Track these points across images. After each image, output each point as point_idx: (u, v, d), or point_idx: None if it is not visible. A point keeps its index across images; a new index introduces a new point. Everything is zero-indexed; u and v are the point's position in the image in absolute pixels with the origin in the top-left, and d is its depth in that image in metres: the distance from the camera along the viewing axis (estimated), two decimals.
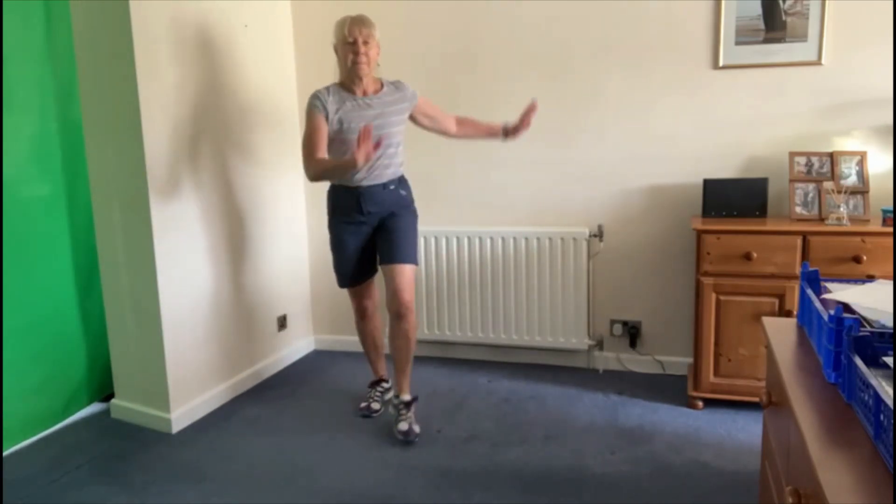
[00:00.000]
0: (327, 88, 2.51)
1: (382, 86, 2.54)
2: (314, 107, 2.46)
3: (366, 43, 2.42)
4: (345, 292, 2.79)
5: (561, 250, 3.09)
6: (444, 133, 2.71)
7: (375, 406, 2.78)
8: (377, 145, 2.30)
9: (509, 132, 2.63)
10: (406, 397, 2.59)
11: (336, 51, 2.51)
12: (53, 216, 2.64)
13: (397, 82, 2.59)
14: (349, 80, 2.50)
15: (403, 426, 2.51)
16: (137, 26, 2.45)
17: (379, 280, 2.70)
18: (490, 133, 2.68)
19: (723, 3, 2.80)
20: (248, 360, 3.12)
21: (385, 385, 2.87)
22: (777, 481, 1.28)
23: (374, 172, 2.49)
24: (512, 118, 3.14)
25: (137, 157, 2.51)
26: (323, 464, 2.37)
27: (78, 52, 2.59)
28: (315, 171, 2.43)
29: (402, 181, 2.60)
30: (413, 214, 2.63)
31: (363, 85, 2.49)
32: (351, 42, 2.41)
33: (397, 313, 2.51)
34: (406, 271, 2.51)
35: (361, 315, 2.77)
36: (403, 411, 2.56)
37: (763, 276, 2.54)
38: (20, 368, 2.53)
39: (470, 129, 2.72)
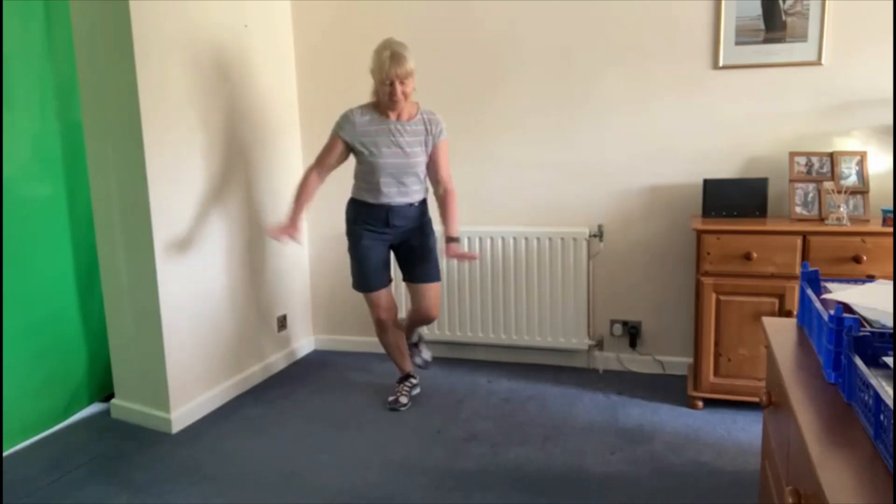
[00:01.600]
0: (361, 109, 2.57)
1: (418, 113, 2.60)
2: (339, 126, 2.58)
3: (402, 83, 2.46)
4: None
5: (561, 250, 3.09)
6: (431, 182, 2.71)
7: (404, 400, 2.82)
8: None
9: (446, 244, 2.61)
10: (414, 338, 2.99)
11: (373, 76, 2.51)
12: (53, 216, 2.64)
13: (433, 116, 2.62)
14: (385, 108, 2.55)
15: (426, 354, 3.02)
16: (137, 26, 2.45)
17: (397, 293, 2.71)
18: (445, 228, 2.65)
19: (723, 3, 2.80)
20: (247, 360, 3.12)
21: (413, 381, 2.91)
22: (777, 481, 1.28)
23: (403, 197, 2.61)
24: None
25: (137, 157, 2.51)
26: (323, 463, 2.37)
27: (78, 52, 2.59)
28: (299, 185, 2.67)
29: (423, 202, 2.72)
30: (431, 229, 2.75)
31: (398, 111, 2.56)
32: (388, 84, 2.45)
33: (426, 320, 2.81)
34: (434, 289, 2.73)
35: (381, 328, 2.80)
36: (420, 346, 3.01)
37: (763, 276, 2.54)
38: (21, 369, 2.53)
39: (441, 205, 2.67)
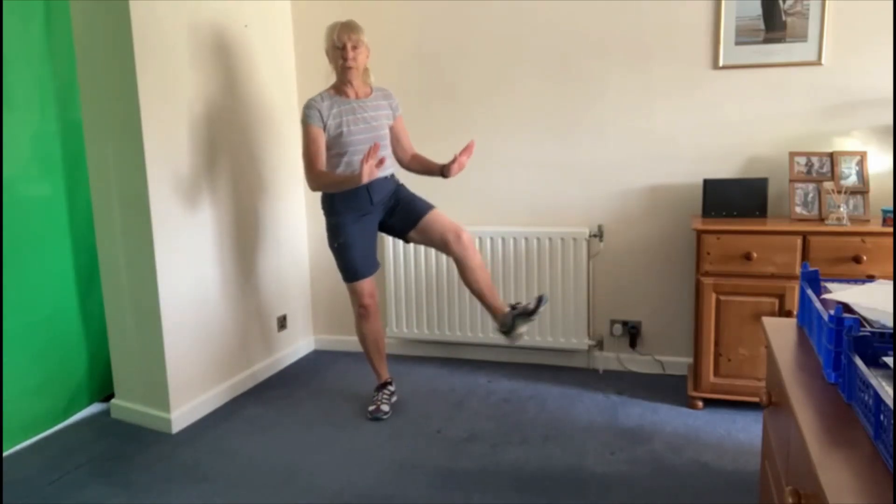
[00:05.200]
0: (321, 95, 2.63)
1: (372, 90, 2.69)
2: (309, 117, 2.58)
3: (354, 48, 2.55)
4: (345, 292, 2.79)
5: (561, 250, 3.09)
6: (398, 159, 2.80)
7: (385, 408, 2.74)
8: (380, 162, 2.48)
9: (444, 170, 2.65)
10: (506, 309, 2.71)
11: (328, 55, 2.63)
12: (53, 216, 2.64)
13: (385, 90, 2.74)
14: (341, 84, 2.64)
15: (523, 329, 2.70)
16: (137, 26, 2.45)
17: (378, 279, 2.71)
18: (431, 170, 2.73)
19: (723, 3, 2.80)
20: (248, 360, 3.12)
21: (391, 388, 2.83)
22: (777, 481, 1.28)
23: (381, 171, 2.60)
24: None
25: (137, 157, 2.51)
26: (323, 464, 2.37)
27: (78, 52, 2.59)
28: (318, 183, 2.60)
29: (394, 175, 2.77)
30: (404, 186, 2.79)
31: (354, 88, 2.63)
32: (340, 47, 2.55)
33: (457, 242, 2.63)
34: (441, 214, 2.70)
35: (364, 315, 2.74)
36: (523, 320, 2.68)
37: (763, 276, 2.54)
38: (21, 369, 2.53)
39: (417, 165, 2.79)
